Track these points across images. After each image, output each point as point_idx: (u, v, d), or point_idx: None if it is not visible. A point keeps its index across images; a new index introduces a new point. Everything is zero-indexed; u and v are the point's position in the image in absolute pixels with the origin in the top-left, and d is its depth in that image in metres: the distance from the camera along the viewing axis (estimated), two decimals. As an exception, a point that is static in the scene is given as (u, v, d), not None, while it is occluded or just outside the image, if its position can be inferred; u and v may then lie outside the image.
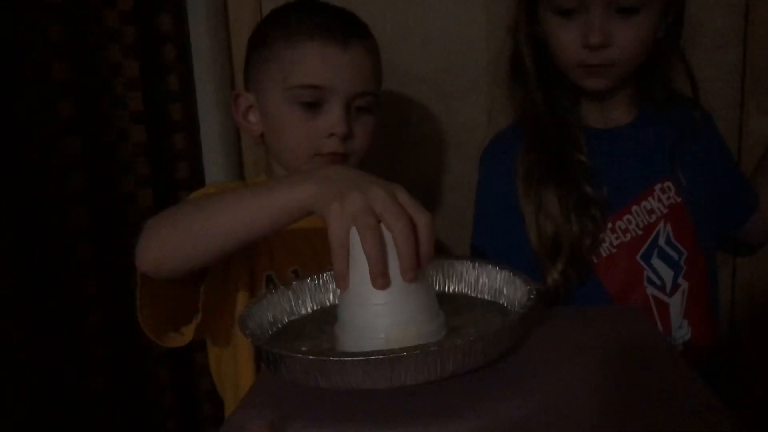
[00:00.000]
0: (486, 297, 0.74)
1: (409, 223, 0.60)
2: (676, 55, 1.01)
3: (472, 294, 0.75)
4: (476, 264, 0.76)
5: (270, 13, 0.97)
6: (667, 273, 0.97)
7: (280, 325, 0.71)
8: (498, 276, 0.74)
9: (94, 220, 1.00)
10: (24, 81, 0.93)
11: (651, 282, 0.97)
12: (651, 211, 0.98)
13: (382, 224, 0.60)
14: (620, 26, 0.90)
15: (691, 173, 1.00)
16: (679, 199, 0.99)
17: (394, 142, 1.27)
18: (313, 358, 0.57)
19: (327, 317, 0.72)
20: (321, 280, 0.76)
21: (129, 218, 1.08)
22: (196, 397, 1.21)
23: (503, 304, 0.72)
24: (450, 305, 0.67)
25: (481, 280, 0.75)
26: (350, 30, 0.91)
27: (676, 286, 0.98)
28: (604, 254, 0.97)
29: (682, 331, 0.97)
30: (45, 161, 0.95)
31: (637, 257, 0.97)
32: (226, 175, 1.22)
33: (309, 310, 0.75)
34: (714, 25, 1.16)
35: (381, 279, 0.60)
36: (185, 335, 0.84)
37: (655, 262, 0.97)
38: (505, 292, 0.72)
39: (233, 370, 0.91)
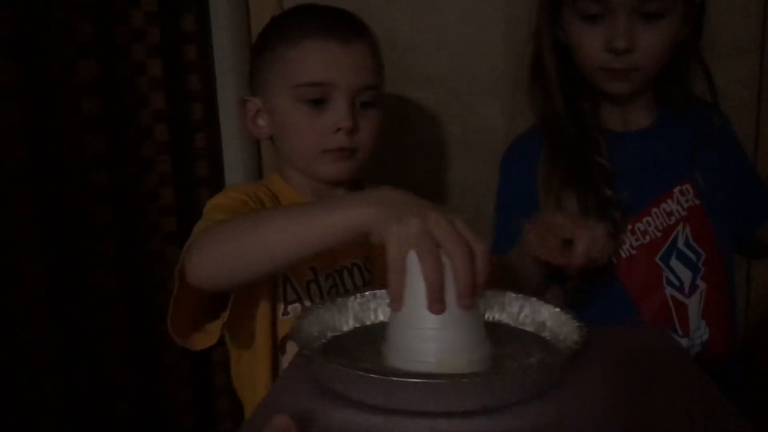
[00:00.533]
0: (528, 329, 0.74)
1: (468, 249, 0.60)
2: (695, 58, 1.01)
3: (513, 325, 0.76)
4: (519, 295, 0.76)
5: (271, 19, 1.00)
6: (685, 274, 0.98)
7: (324, 340, 0.73)
8: (542, 309, 0.74)
9: (117, 217, 1.01)
10: (51, 79, 0.94)
11: (670, 283, 0.98)
12: (670, 213, 0.99)
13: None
14: (644, 31, 0.91)
15: (710, 176, 1.01)
16: (697, 202, 1.00)
17: (409, 143, 1.28)
18: (375, 376, 0.57)
19: (367, 336, 0.73)
20: (364, 299, 0.77)
21: (151, 215, 1.09)
22: (213, 393, 1.22)
23: (546, 337, 0.72)
24: (491, 334, 0.67)
25: (523, 312, 0.76)
26: (350, 27, 0.93)
27: (694, 287, 0.98)
28: (624, 255, 0.98)
29: (700, 332, 0.98)
30: (70, 158, 0.96)
31: (656, 259, 0.98)
32: (245, 174, 1.23)
33: (351, 326, 0.76)
34: (731, 30, 1.17)
35: (438, 304, 0.61)
36: (212, 334, 0.85)
37: (674, 263, 0.98)
38: (548, 325, 0.73)
39: (252, 372, 0.91)
